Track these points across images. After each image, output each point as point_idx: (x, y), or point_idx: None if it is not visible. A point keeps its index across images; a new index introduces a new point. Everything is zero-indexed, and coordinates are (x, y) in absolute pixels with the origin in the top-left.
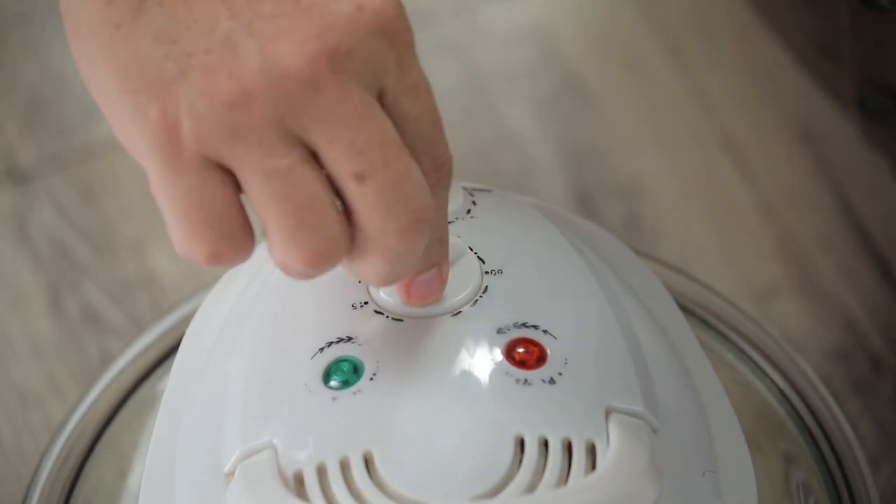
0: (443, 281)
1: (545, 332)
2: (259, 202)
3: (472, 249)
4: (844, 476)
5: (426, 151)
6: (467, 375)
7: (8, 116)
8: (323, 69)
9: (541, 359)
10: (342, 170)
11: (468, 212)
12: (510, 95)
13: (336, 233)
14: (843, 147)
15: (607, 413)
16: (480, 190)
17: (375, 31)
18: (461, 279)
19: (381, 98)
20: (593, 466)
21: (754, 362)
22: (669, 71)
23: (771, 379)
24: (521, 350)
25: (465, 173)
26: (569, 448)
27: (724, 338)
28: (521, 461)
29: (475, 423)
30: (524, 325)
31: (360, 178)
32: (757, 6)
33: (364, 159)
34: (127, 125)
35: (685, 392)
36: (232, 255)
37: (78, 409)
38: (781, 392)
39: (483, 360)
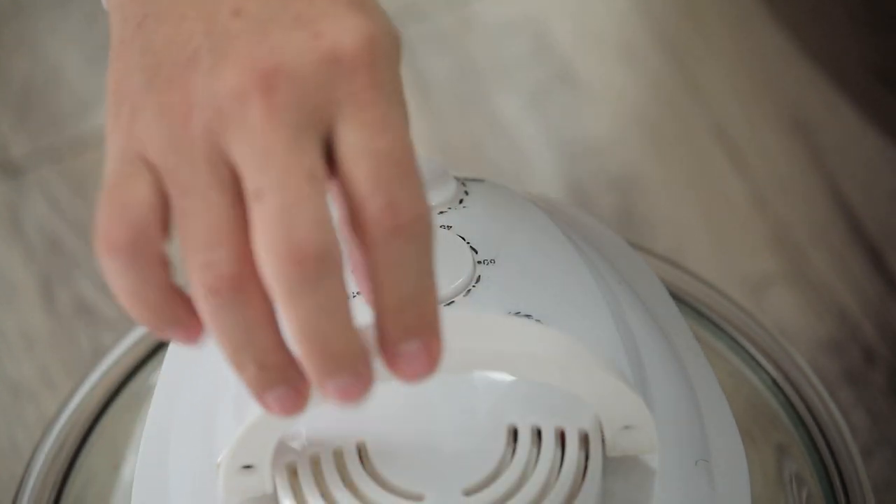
0: (431, 359)
1: (538, 321)
2: (174, 215)
3: (464, 239)
4: (837, 467)
5: (379, 191)
6: None
7: (1, 109)
8: (253, 89)
9: None
10: (247, 188)
11: (460, 201)
12: (504, 87)
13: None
14: (837, 138)
15: None
16: (473, 180)
17: (327, 60)
18: (454, 269)
19: (331, 131)
20: (586, 456)
21: (747, 353)
22: (662, 62)
23: (764, 370)
24: None
25: (458, 165)
26: (562, 437)
27: (717, 329)
28: (514, 451)
29: (468, 413)
30: (517, 314)
31: (257, 195)
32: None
33: (264, 177)
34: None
35: (678, 381)
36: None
37: (71, 402)
38: (774, 383)
39: None
